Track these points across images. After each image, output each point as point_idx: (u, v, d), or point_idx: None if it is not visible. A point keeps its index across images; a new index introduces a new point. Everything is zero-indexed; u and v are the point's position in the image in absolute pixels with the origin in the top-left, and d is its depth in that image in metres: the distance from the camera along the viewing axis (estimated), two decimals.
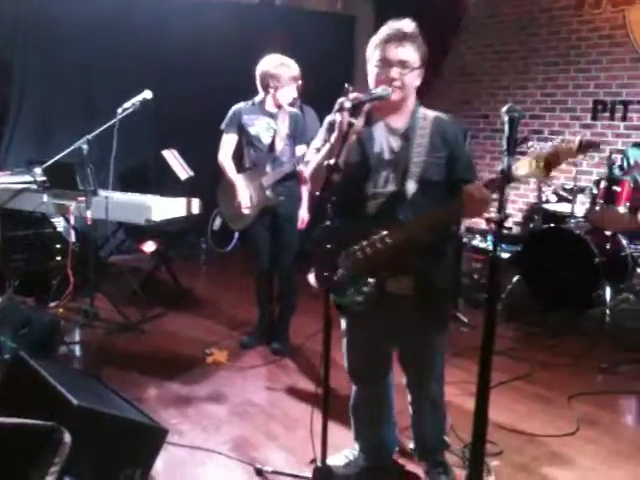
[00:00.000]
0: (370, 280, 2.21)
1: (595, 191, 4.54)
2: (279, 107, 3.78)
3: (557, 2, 6.12)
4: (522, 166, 1.92)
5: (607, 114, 5.90)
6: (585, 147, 1.89)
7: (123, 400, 2.68)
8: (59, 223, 4.95)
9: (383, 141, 2.27)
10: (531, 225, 5.55)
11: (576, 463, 2.76)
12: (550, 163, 1.89)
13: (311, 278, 2.16)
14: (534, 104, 6.38)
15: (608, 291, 4.52)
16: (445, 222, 2.17)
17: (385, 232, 2.16)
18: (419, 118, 2.24)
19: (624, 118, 5.77)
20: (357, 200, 2.26)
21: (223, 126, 3.83)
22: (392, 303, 2.24)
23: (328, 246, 2.17)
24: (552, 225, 4.84)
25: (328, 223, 2.22)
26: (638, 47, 5.60)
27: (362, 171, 2.25)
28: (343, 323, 2.47)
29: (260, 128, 3.77)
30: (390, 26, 2.20)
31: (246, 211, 3.78)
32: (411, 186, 2.18)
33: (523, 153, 6.07)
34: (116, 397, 2.70)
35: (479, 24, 6.79)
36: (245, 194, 3.77)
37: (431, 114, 2.26)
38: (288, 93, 3.73)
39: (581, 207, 4.95)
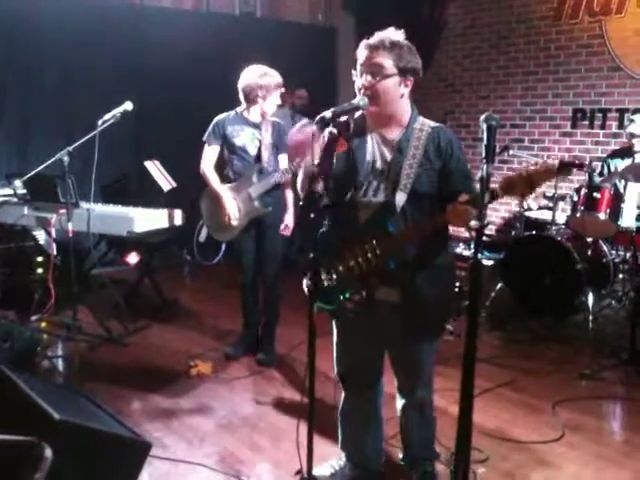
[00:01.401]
0: (359, 288, 2.22)
1: (575, 198, 4.59)
2: (263, 116, 3.78)
3: (535, 12, 6.23)
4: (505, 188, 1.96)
5: (586, 122, 5.99)
6: (565, 168, 1.91)
7: (106, 414, 2.65)
8: (40, 236, 4.90)
9: (376, 151, 2.28)
10: (513, 232, 5.60)
11: (561, 469, 2.77)
12: (531, 186, 1.92)
13: (304, 283, 2.16)
14: (514, 113, 6.47)
15: (590, 297, 4.56)
16: (430, 234, 2.17)
17: (374, 242, 2.17)
18: (414, 129, 2.24)
19: (603, 126, 5.86)
20: (348, 209, 2.28)
21: (205, 137, 3.82)
22: (381, 311, 2.26)
23: (312, 254, 2.19)
24: (534, 232, 4.89)
25: (323, 230, 2.26)
26: (615, 56, 5.70)
27: (352, 181, 2.26)
28: (334, 328, 2.48)
29: (246, 139, 3.77)
30: (375, 34, 2.22)
31: (234, 223, 3.77)
32: (401, 197, 2.18)
33: (503, 161, 6.13)
34: (99, 411, 2.67)
35: (458, 35, 6.88)
36: (233, 206, 3.75)
37: (429, 125, 2.26)
38: (274, 101, 3.75)
39: (562, 214, 5.00)
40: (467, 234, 5.34)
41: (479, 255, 1.86)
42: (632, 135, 4.74)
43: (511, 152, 5.45)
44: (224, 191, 3.78)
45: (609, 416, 3.42)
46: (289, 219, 3.84)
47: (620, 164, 4.80)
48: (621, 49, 5.65)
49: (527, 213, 5.27)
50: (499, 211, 6.49)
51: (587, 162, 4.81)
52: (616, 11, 5.64)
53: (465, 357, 1.84)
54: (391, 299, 2.25)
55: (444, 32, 6.91)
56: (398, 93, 2.21)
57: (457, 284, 4.31)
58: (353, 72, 2.26)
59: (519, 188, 1.93)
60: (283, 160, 3.82)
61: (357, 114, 2.35)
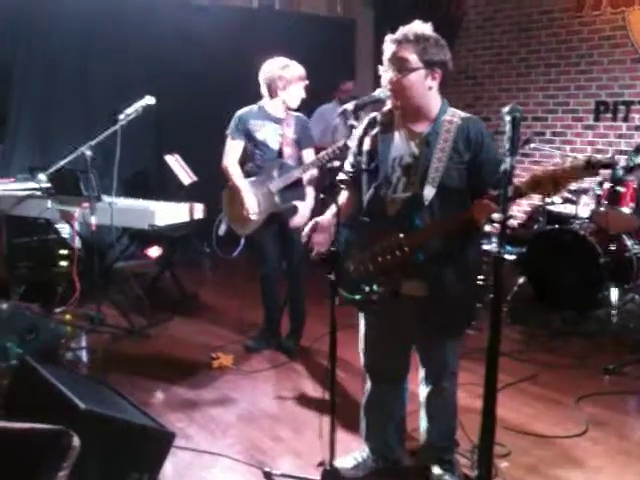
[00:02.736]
0: (385, 281, 2.22)
1: (599, 192, 4.53)
2: (287, 110, 3.77)
3: (557, 4, 6.14)
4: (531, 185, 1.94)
5: (609, 115, 5.90)
6: (592, 167, 1.88)
7: (130, 404, 2.68)
8: (63, 229, 4.96)
9: (403, 146, 2.27)
10: (535, 226, 5.54)
11: (585, 464, 2.75)
12: (557, 185, 1.90)
13: (332, 276, 2.18)
14: (536, 106, 6.39)
15: (613, 292, 4.51)
16: (458, 229, 2.16)
17: (401, 236, 2.17)
18: (443, 122, 2.22)
19: (626, 119, 5.78)
20: (377, 204, 2.28)
21: (228, 132, 3.83)
22: (407, 305, 2.26)
23: (334, 247, 2.21)
24: (556, 226, 4.84)
25: (351, 224, 2.28)
26: (638, 48, 5.61)
27: (380, 175, 2.26)
28: (361, 320, 2.48)
29: (267, 134, 3.76)
30: (400, 28, 2.21)
31: (253, 217, 3.77)
32: (429, 191, 2.17)
33: (525, 155, 6.06)
34: (123, 401, 2.70)
35: (479, 27, 6.82)
36: (252, 200, 3.75)
37: (459, 117, 2.24)
38: (294, 95, 3.71)
39: (585, 208, 4.94)
40: (487, 228, 5.30)
41: (501, 250, 1.85)
42: None
43: (533, 145, 5.39)
44: (244, 185, 3.78)
45: (633, 411, 3.38)
46: (304, 210, 3.75)
47: None
48: None
49: (550, 207, 5.22)
50: (522, 205, 6.43)
51: (613, 159, 4.73)
52: (639, 2, 5.55)
53: (489, 352, 1.83)
54: (417, 293, 2.26)
55: (464, 23, 6.85)
56: (425, 87, 2.20)
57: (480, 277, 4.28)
58: (380, 67, 2.25)
59: (545, 187, 1.92)
60: (307, 155, 3.80)
61: (384, 108, 2.35)
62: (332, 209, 2.38)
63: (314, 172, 3.76)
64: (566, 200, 5.15)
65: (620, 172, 4.65)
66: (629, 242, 4.69)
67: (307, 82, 3.74)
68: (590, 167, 1.84)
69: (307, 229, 2.43)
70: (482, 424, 1.87)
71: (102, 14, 5.65)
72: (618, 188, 4.37)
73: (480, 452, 1.98)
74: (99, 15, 5.63)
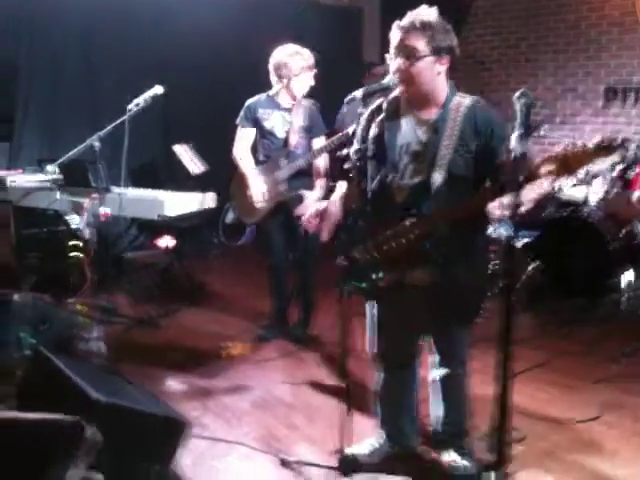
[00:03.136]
0: (393, 269, 2.21)
1: (610, 176, 4.51)
2: (294, 99, 3.75)
3: None
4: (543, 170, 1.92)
5: (618, 101, 5.87)
6: (606, 149, 1.86)
7: (144, 394, 2.68)
8: (73, 220, 4.96)
9: (411, 133, 2.25)
10: (545, 213, 5.51)
11: (601, 448, 2.75)
12: (570, 168, 1.88)
13: (338, 262, 2.18)
14: (545, 92, 6.35)
15: (624, 277, 4.50)
16: (466, 217, 2.15)
17: (410, 223, 2.16)
18: (451, 108, 2.20)
19: (635, 104, 5.74)
20: (384, 190, 2.27)
21: (238, 120, 3.82)
22: (415, 293, 2.25)
23: (343, 235, 2.21)
24: (566, 212, 4.81)
25: (359, 212, 2.27)
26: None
27: (387, 162, 2.25)
28: (370, 309, 2.48)
29: (275, 122, 3.75)
30: (407, 15, 2.19)
31: (259, 205, 3.77)
32: (437, 178, 2.16)
33: (535, 142, 6.00)
34: (137, 391, 2.70)
35: (487, 12, 6.77)
36: (258, 188, 3.75)
37: (466, 102, 2.22)
38: (303, 83, 3.69)
39: (595, 194, 4.91)
40: (497, 213, 5.28)
41: (513, 237, 1.85)
42: None
43: (542, 132, 5.36)
44: (251, 173, 3.78)
45: None
46: (310, 199, 3.65)
47: None
48: None
49: (559, 193, 5.19)
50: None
51: (627, 140, 4.70)
52: None
53: (501, 340, 1.83)
54: (426, 281, 2.24)
55: (472, 9, 6.81)
56: (433, 73, 2.18)
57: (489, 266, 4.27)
58: (387, 56, 2.24)
59: (560, 169, 1.90)
60: (317, 144, 3.78)
61: (390, 96, 2.34)
62: (338, 195, 2.37)
63: (325, 161, 3.74)
64: (576, 185, 5.12)
65: (632, 156, 4.62)
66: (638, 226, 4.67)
67: (315, 71, 3.72)
68: (604, 147, 1.83)
69: (308, 214, 2.41)
70: (498, 408, 1.87)
71: (105, 6, 5.61)
72: (629, 172, 4.34)
73: (496, 436, 1.97)
74: (102, 7, 5.60)
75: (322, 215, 2.38)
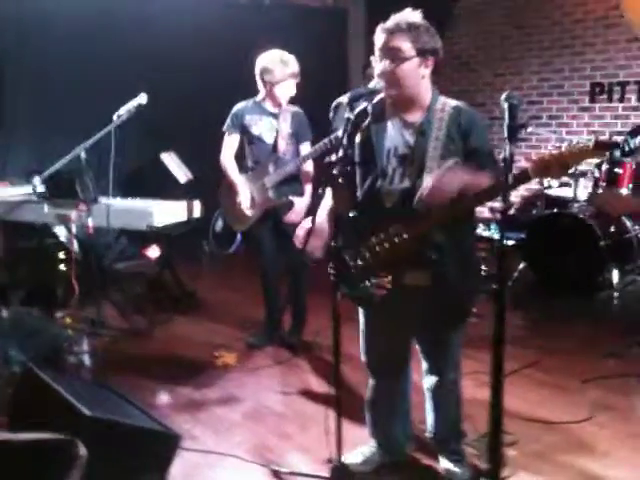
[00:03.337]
0: (385, 273, 2.20)
1: (597, 174, 4.52)
2: (278, 105, 3.74)
3: None
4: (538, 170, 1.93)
5: (605, 96, 5.89)
6: (600, 148, 1.88)
7: (134, 407, 2.67)
8: (61, 232, 4.94)
9: (398, 136, 2.25)
10: (534, 211, 5.53)
11: (594, 449, 2.75)
12: (564, 167, 1.90)
13: (329, 270, 2.16)
14: (531, 90, 6.37)
15: (614, 274, 4.51)
16: (459, 214, 2.15)
17: (400, 226, 2.15)
18: (436, 110, 2.20)
19: (622, 100, 5.76)
20: (373, 196, 2.26)
21: (225, 127, 3.81)
22: (407, 296, 2.23)
23: (335, 242, 2.19)
24: (555, 210, 4.83)
25: (350, 218, 2.25)
26: (632, 27, 5.58)
27: (375, 167, 2.24)
28: (361, 315, 2.47)
29: (263, 128, 3.74)
30: (391, 17, 2.19)
31: (248, 212, 3.76)
32: (427, 182, 2.16)
33: (522, 139, 6.03)
34: (127, 405, 2.69)
35: (471, 11, 6.77)
36: (246, 194, 3.75)
37: (450, 104, 2.22)
38: (286, 90, 3.68)
39: (583, 191, 4.93)
40: (487, 214, 5.30)
41: (503, 237, 1.85)
42: None
43: (529, 129, 5.37)
44: (239, 180, 3.78)
45: (637, 394, 3.38)
46: (300, 205, 3.73)
47: None
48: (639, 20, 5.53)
49: (548, 191, 5.20)
50: (519, 189, 6.41)
51: (618, 140, 4.72)
52: None
53: (494, 342, 1.82)
54: (419, 283, 2.23)
55: (456, 10, 6.81)
56: (419, 75, 2.18)
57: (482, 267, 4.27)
58: (372, 58, 2.23)
59: (553, 170, 1.92)
60: (304, 150, 3.77)
61: (375, 99, 2.33)
62: (325, 207, 2.36)
63: (310, 167, 3.75)
64: (563, 184, 5.14)
65: (617, 153, 4.64)
66: (628, 223, 4.69)
67: (298, 79, 3.70)
68: (598, 148, 1.84)
69: (301, 234, 2.39)
70: (490, 415, 1.87)
71: (91, 14, 5.59)
72: (616, 169, 4.36)
73: (489, 443, 1.97)
74: (88, 16, 5.57)
75: (312, 232, 2.35)
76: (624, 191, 4.33)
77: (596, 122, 5.97)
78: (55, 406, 2.32)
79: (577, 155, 1.87)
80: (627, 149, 4.85)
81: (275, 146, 3.74)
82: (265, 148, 3.76)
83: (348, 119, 2.25)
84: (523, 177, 1.94)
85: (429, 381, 2.50)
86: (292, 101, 3.81)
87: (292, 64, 3.65)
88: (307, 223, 2.36)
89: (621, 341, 3.79)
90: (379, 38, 2.19)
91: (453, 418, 2.54)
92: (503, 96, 1.83)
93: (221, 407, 3.22)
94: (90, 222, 3.96)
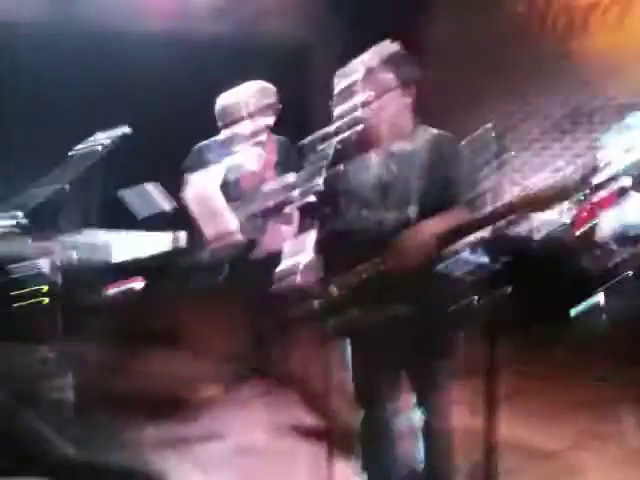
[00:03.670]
0: (370, 304, 2.18)
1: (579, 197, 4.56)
2: (257, 136, 3.72)
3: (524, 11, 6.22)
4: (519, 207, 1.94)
5: (581, 122, 5.96)
6: (578, 188, 1.91)
7: (116, 444, 2.61)
8: (39, 265, 4.85)
9: (381, 165, 2.24)
10: (516, 236, 5.56)
11: (587, 476, 2.72)
12: (546, 206, 1.92)
13: (314, 303, 2.14)
14: (509, 115, 6.42)
15: (599, 298, 4.53)
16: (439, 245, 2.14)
17: (385, 257, 2.13)
18: (418, 139, 2.21)
19: (598, 126, 5.83)
20: (357, 226, 2.24)
21: (208, 157, 3.75)
22: (392, 326, 2.20)
23: (321, 274, 2.17)
24: (536, 234, 4.86)
25: (335, 249, 2.23)
26: (607, 54, 5.68)
27: (358, 199, 2.23)
28: (345, 348, 2.43)
29: (246, 158, 3.71)
30: (370, 50, 2.20)
31: (232, 241, 3.72)
32: (412, 211, 2.15)
33: (499, 166, 6.03)
34: (108, 442, 2.63)
35: (445, 41, 6.85)
36: (231, 224, 3.71)
37: (430, 133, 2.23)
38: (262, 122, 3.67)
39: (564, 214, 4.96)
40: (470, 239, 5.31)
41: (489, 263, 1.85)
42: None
43: (505, 156, 5.41)
44: (223, 209, 3.73)
45: (629, 419, 3.36)
46: (283, 235, 3.62)
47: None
48: None
49: (529, 217, 5.24)
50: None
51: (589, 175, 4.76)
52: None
53: (486, 370, 1.81)
54: (401, 313, 2.21)
55: (432, 40, 6.90)
56: (401, 105, 2.19)
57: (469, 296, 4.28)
58: (350, 91, 2.23)
59: (538, 205, 1.93)
60: (290, 179, 3.75)
61: (356, 128, 2.33)
62: (309, 242, 2.35)
63: (295, 197, 3.73)
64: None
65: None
66: (611, 247, 4.72)
67: (276, 109, 3.70)
68: (576, 188, 1.86)
69: (288, 273, 2.36)
70: (484, 445, 1.84)
71: (72, 42, 5.59)
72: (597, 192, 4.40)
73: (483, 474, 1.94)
74: (68, 43, 5.57)
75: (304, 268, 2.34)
76: (604, 214, 4.36)
77: (575, 146, 6.04)
78: (33, 446, 2.26)
79: (557, 196, 1.88)
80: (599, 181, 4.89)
81: (259, 175, 3.71)
82: (249, 177, 3.73)
83: (326, 153, 2.25)
84: (510, 209, 1.94)
85: (417, 416, 2.45)
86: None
87: (269, 93, 3.67)
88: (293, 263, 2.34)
89: (606, 366, 3.78)
90: (360, 69, 2.19)
91: (444, 451, 2.49)
92: (479, 130, 1.85)
93: (207, 443, 3.15)
94: (70, 254, 3.89)
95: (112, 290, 5.24)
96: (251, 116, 3.64)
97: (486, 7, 6.52)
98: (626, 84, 5.58)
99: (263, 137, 3.74)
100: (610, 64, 5.64)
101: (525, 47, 6.29)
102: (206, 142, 3.78)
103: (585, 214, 4.41)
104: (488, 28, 6.55)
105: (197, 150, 3.77)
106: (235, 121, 3.66)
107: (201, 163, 3.74)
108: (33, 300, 4.53)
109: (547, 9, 6.09)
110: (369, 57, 2.19)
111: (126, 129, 3.92)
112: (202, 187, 3.80)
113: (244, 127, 3.67)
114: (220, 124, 3.71)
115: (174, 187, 5.29)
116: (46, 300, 4.52)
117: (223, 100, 3.67)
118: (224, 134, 3.76)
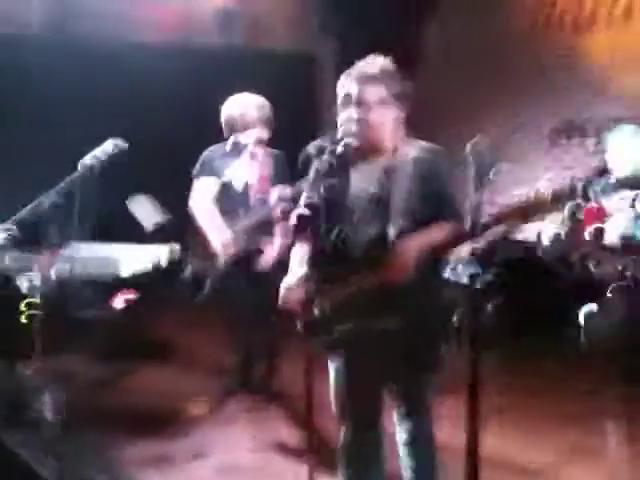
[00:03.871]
0: (355, 319, 2.17)
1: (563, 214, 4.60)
2: (254, 148, 3.71)
3: (513, 29, 6.27)
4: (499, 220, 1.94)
5: (567, 139, 6.00)
6: (558, 199, 1.90)
7: (102, 464, 2.57)
8: (25, 281, 4.80)
9: (366, 180, 2.24)
10: (501, 252, 5.57)
11: None
12: (524, 218, 1.92)
13: (299, 321, 2.13)
14: (497, 129, 6.46)
15: (581, 313, 4.55)
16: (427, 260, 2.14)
17: (370, 272, 2.13)
18: (405, 154, 2.21)
19: (584, 142, 5.88)
20: (341, 242, 2.23)
21: (198, 171, 3.76)
22: (379, 340, 2.19)
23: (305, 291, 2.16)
24: (521, 250, 4.89)
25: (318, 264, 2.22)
26: (599, 69, 5.74)
27: (343, 214, 2.23)
28: (330, 364, 2.42)
29: (238, 171, 3.71)
30: (359, 64, 2.20)
31: (221, 256, 3.69)
32: (396, 226, 2.15)
33: (488, 181, 6.02)
34: (94, 462, 2.59)
35: (437, 57, 6.92)
36: (219, 239, 3.69)
37: (416, 147, 2.23)
38: (257, 134, 3.67)
39: (548, 233, 4.98)
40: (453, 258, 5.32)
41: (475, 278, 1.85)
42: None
43: (493, 170, 5.43)
44: (212, 224, 3.71)
45: (615, 433, 3.37)
46: (272, 250, 3.68)
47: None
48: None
49: (513, 233, 5.26)
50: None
51: (576, 187, 4.79)
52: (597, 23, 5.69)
53: (470, 385, 1.80)
54: (389, 328, 2.20)
55: (422, 55, 6.97)
56: (392, 120, 2.19)
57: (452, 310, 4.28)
58: (340, 105, 2.23)
59: (513, 219, 1.92)
60: (280, 193, 3.74)
61: (342, 142, 2.33)
62: (297, 260, 2.33)
63: (289, 210, 3.71)
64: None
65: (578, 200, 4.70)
66: (593, 262, 4.74)
67: (270, 123, 3.70)
68: (555, 199, 1.85)
69: (283, 297, 2.33)
70: (467, 463, 1.83)
71: (64, 54, 5.64)
72: (579, 214, 4.45)
73: None
74: (61, 55, 5.64)
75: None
76: (588, 231, 4.39)
77: (558, 164, 6.07)
78: (14, 470, 2.22)
79: (535, 207, 1.88)
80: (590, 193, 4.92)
81: (251, 189, 3.71)
82: (240, 191, 3.72)
83: (320, 167, 2.25)
84: (496, 221, 1.94)
85: (402, 433, 2.44)
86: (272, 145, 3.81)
87: (263, 107, 3.67)
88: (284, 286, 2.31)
89: (591, 380, 3.78)
90: (350, 85, 2.19)
91: (429, 469, 2.47)
92: (470, 143, 1.85)
93: (191, 461, 3.11)
94: (56, 270, 3.85)
95: (103, 304, 5.23)
96: (249, 128, 3.65)
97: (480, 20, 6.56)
98: (616, 99, 5.65)
99: (259, 150, 3.74)
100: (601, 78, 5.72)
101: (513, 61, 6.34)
102: (214, 147, 3.77)
103: (578, 226, 4.42)
104: (482, 39, 6.60)
105: (205, 156, 3.76)
106: (236, 130, 3.66)
107: (208, 170, 3.73)
108: (24, 313, 4.49)
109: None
110: (360, 72, 2.20)
111: (122, 142, 3.90)
112: (198, 200, 3.79)
113: (244, 137, 3.67)
114: (226, 131, 3.71)
115: (172, 198, 5.32)
116: (36, 313, 4.48)
117: (228, 109, 3.68)
118: (229, 141, 3.75)
